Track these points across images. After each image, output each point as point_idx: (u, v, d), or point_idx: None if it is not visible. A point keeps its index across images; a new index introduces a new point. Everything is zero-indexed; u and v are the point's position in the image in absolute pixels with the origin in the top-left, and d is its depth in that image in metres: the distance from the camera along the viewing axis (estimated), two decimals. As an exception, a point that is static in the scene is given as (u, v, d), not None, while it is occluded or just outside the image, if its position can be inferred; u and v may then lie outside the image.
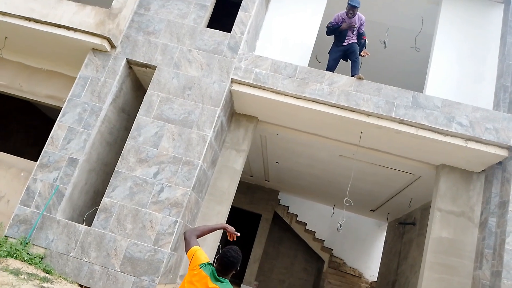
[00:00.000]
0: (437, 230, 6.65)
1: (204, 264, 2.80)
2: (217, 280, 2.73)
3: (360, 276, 14.25)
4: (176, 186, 5.89)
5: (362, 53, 6.93)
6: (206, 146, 6.10)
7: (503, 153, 6.19)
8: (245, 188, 13.02)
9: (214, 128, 6.24)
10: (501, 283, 5.53)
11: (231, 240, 3.15)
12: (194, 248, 2.90)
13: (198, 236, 3.02)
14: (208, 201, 6.89)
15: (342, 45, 7.07)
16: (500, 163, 6.40)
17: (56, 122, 6.24)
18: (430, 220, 6.90)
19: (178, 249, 6.02)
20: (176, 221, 5.73)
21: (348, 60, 7.14)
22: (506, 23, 7.18)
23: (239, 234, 3.10)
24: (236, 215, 13.60)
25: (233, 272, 2.85)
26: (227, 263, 2.79)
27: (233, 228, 3.15)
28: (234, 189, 7.08)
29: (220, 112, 6.33)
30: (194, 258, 2.83)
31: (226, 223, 7.05)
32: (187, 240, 2.97)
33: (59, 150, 6.09)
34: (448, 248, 6.54)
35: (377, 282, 12.78)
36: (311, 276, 14.52)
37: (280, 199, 14.23)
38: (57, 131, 6.19)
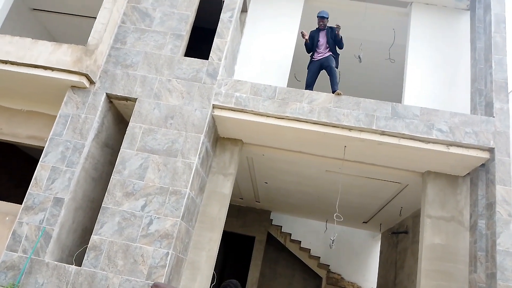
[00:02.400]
0: (429, 237, 6.69)
1: None
2: None
3: (359, 289, 14.15)
4: (165, 217, 5.83)
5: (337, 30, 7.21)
6: (193, 173, 6.08)
7: (485, 155, 6.30)
8: (236, 211, 12.94)
9: (199, 155, 6.24)
10: (497, 285, 5.55)
11: None
12: None
13: None
14: (199, 229, 6.83)
15: (317, 59, 7.25)
16: (483, 165, 6.51)
17: (39, 162, 6.17)
18: (421, 228, 6.94)
19: (172, 281, 5.92)
20: (167, 253, 5.65)
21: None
22: (473, 29, 7.43)
23: None
24: (229, 240, 13.48)
25: None
26: None
27: None
28: (225, 213, 7.04)
29: (204, 138, 6.34)
30: None
31: (219, 248, 7.00)
32: None
33: (44, 191, 6.00)
34: (442, 254, 6.56)
35: (376, 294, 12.69)
36: (311, 294, 14.35)
37: (272, 219, 14.15)
38: (41, 172, 6.11)
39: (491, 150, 6.28)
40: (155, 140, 6.26)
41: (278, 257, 14.55)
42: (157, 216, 5.84)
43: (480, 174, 6.58)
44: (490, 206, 6.12)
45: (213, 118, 6.68)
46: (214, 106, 6.56)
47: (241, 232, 13.34)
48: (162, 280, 5.52)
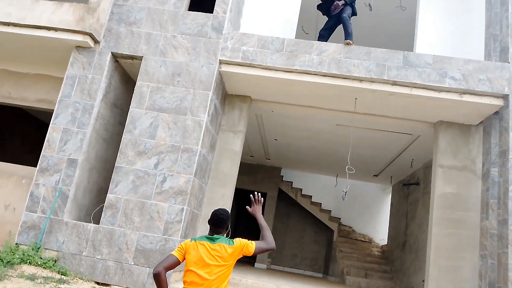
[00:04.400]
0: (441, 186, 6.71)
1: (194, 238, 2.86)
2: (214, 239, 2.79)
3: (370, 241, 14.44)
4: (178, 174, 5.90)
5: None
6: (203, 131, 6.08)
7: (499, 102, 6.18)
8: (247, 168, 13.05)
9: (208, 112, 6.20)
10: (508, 230, 5.61)
11: None
12: (173, 254, 2.78)
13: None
14: (211, 185, 6.92)
15: (332, 15, 7.08)
16: (496, 113, 6.41)
17: (50, 125, 6.20)
18: (433, 178, 6.95)
19: (188, 235, 6.07)
20: (182, 209, 5.76)
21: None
22: (490, -30, 7.07)
23: None
24: (241, 197, 13.68)
25: (225, 230, 2.94)
26: (217, 220, 2.90)
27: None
28: (236, 170, 7.10)
29: (212, 95, 6.28)
30: (184, 249, 2.78)
31: (232, 205, 7.12)
32: (162, 267, 2.69)
33: (57, 153, 6.07)
34: (453, 203, 6.61)
35: (387, 245, 12.96)
36: (322, 247, 14.71)
37: (283, 176, 14.28)
38: (52, 134, 6.16)
39: (505, 97, 6.15)
40: (163, 98, 6.22)
41: (289, 212, 14.82)
42: (170, 173, 5.90)
43: (493, 122, 6.48)
44: (503, 153, 6.07)
45: (220, 74, 6.58)
46: (221, 62, 6.45)
47: (252, 189, 13.39)
48: (178, 235, 5.66)
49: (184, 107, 6.17)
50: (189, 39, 6.44)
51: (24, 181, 6.66)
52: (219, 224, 2.90)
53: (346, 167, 6.80)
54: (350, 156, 7.44)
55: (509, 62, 6.22)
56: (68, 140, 6.10)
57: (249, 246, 2.82)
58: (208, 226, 2.96)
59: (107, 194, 5.93)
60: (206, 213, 6.78)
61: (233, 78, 6.73)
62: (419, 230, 9.49)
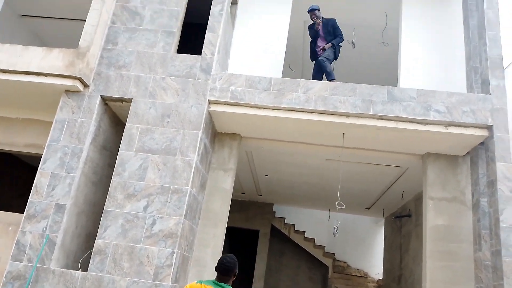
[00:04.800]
0: (432, 218, 6.70)
1: (200, 281, 2.90)
2: (220, 286, 2.84)
3: (366, 276, 14.20)
4: (168, 217, 5.82)
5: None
6: (193, 171, 6.06)
7: (484, 133, 6.30)
8: (238, 206, 12.94)
9: (198, 151, 6.21)
10: (502, 262, 5.57)
11: None
12: None
13: None
14: (202, 226, 6.82)
15: (316, 59, 7.50)
16: (482, 143, 6.51)
17: (38, 170, 6.13)
18: (424, 210, 6.95)
19: (179, 280, 5.92)
20: (173, 252, 5.65)
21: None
22: (466, 6, 7.36)
23: None
24: (233, 235, 13.48)
25: (233, 277, 2.96)
26: (225, 269, 2.92)
27: None
28: (227, 209, 7.03)
29: (202, 135, 6.31)
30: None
31: (224, 244, 7.02)
32: None
33: (45, 198, 5.97)
34: (445, 235, 6.58)
35: (383, 279, 12.75)
36: (318, 283, 14.42)
37: (275, 212, 14.17)
38: (40, 179, 6.08)
39: (489, 128, 6.27)
40: (153, 139, 6.23)
41: (283, 249, 14.60)
42: (160, 216, 5.82)
43: (479, 152, 6.58)
44: (491, 183, 6.12)
45: (209, 113, 6.65)
46: (210, 102, 6.53)
47: (245, 227, 13.35)
48: (169, 280, 5.52)
49: (173, 148, 6.18)
50: (178, 81, 6.54)
51: (10, 228, 6.51)
52: (226, 272, 2.93)
53: (337, 203, 6.79)
54: (341, 191, 7.44)
55: (490, 94, 6.39)
56: (56, 185, 6.02)
57: None
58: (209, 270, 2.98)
59: (96, 240, 5.80)
60: (197, 255, 6.66)
61: (222, 117, 6.79)
62: (414, 263, 9.39)
